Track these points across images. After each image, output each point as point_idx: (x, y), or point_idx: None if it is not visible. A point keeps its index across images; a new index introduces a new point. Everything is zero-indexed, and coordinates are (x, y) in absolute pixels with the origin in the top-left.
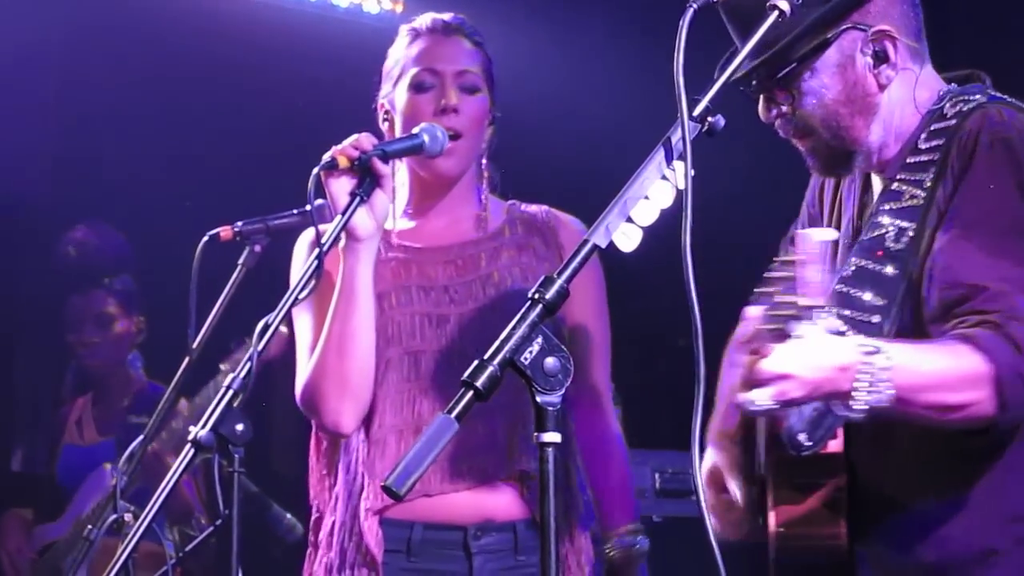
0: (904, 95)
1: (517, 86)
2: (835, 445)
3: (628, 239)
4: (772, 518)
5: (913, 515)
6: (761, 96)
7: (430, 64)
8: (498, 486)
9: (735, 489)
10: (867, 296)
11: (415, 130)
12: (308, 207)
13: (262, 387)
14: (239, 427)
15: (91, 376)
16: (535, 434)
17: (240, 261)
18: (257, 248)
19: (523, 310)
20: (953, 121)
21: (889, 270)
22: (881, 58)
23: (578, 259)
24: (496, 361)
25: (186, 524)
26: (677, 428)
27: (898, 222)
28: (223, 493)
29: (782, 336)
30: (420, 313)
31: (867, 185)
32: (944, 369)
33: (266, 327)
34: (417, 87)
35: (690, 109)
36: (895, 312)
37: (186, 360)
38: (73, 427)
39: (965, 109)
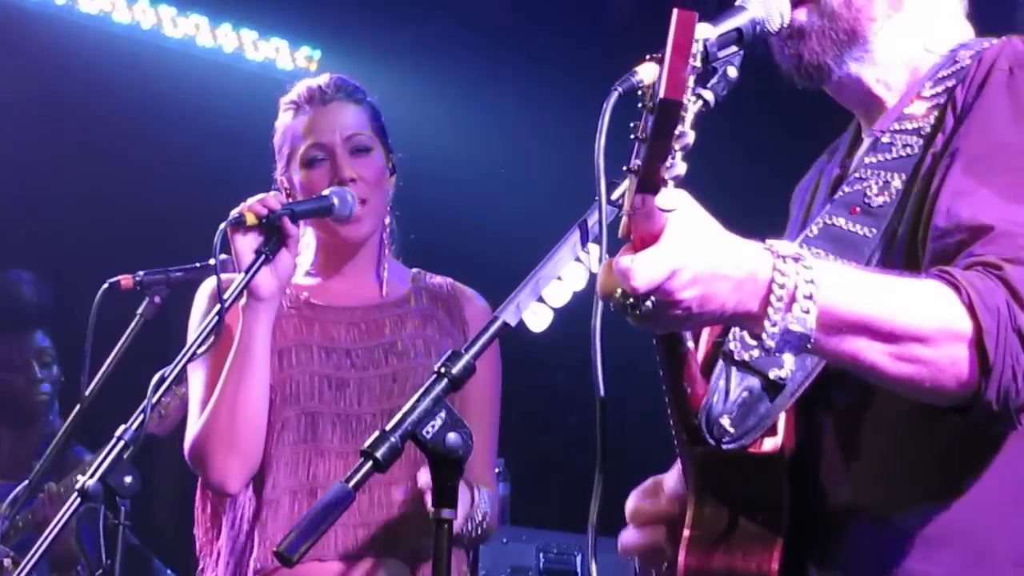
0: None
1: (430, 157)
2: (772, 444)
3: (538, 319)
4: (682, 548)
5: (886, 537)
6: None
7: (316, 138)
8: (390, 558)
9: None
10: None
11: (325, 192)
12: (212, 261)
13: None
14: (127, 479)
15: (20, 417)
16: (431, 509)
17: (139, 311)
18: (157, 299)
19: (428, 383)
20: (967, 62)
21: (863, 230)
22: None
23: (486, 336)
24: (398, 433)
25: (69, 572)
26: (563, 508)
27: (883, 174)
28: (106, 545)
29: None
30: (320, 374)
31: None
32: (900, 303)
33: (162, 380)
34: (309, 164)
35: (608, 193)
36: None
37: (77, 407)
38: None
39: (983, 47)
